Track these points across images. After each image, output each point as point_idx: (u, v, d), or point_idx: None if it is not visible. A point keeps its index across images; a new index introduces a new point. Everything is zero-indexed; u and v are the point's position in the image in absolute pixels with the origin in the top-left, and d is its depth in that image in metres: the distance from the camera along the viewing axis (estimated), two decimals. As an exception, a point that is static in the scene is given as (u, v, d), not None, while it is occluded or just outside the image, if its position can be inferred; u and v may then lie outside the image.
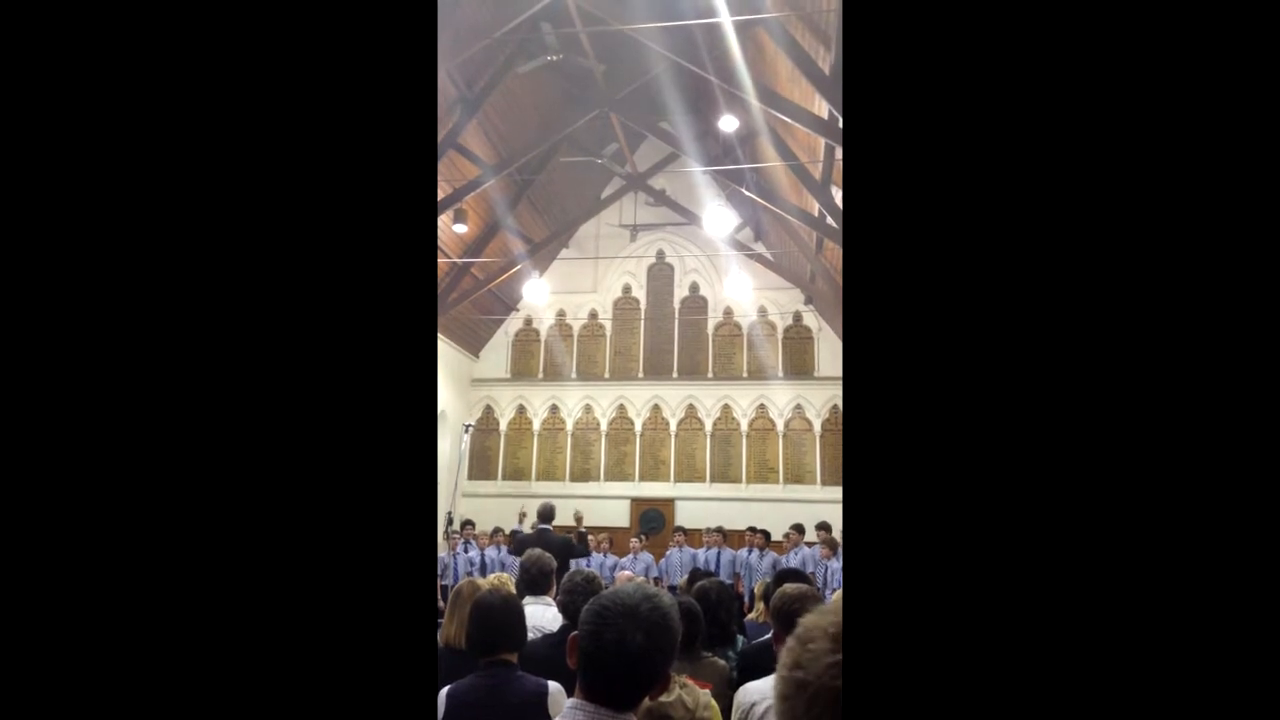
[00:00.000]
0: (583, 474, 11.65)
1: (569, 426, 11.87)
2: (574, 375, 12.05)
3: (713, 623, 2.89)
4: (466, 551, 8.61)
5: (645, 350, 12.03)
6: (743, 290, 10.61)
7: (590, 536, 6.89)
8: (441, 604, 6.10)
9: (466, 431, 9.27)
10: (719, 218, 8.81)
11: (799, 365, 11.56)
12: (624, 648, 1.07)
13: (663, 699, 1.84)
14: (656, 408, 11.77)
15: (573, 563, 5.08)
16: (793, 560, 7.86)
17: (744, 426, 11.48)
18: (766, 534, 8.79)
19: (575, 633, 1.13)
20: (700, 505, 10.98)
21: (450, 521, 8.89)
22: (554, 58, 7.94)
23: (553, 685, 1.89)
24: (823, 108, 6.41)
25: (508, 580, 3.39)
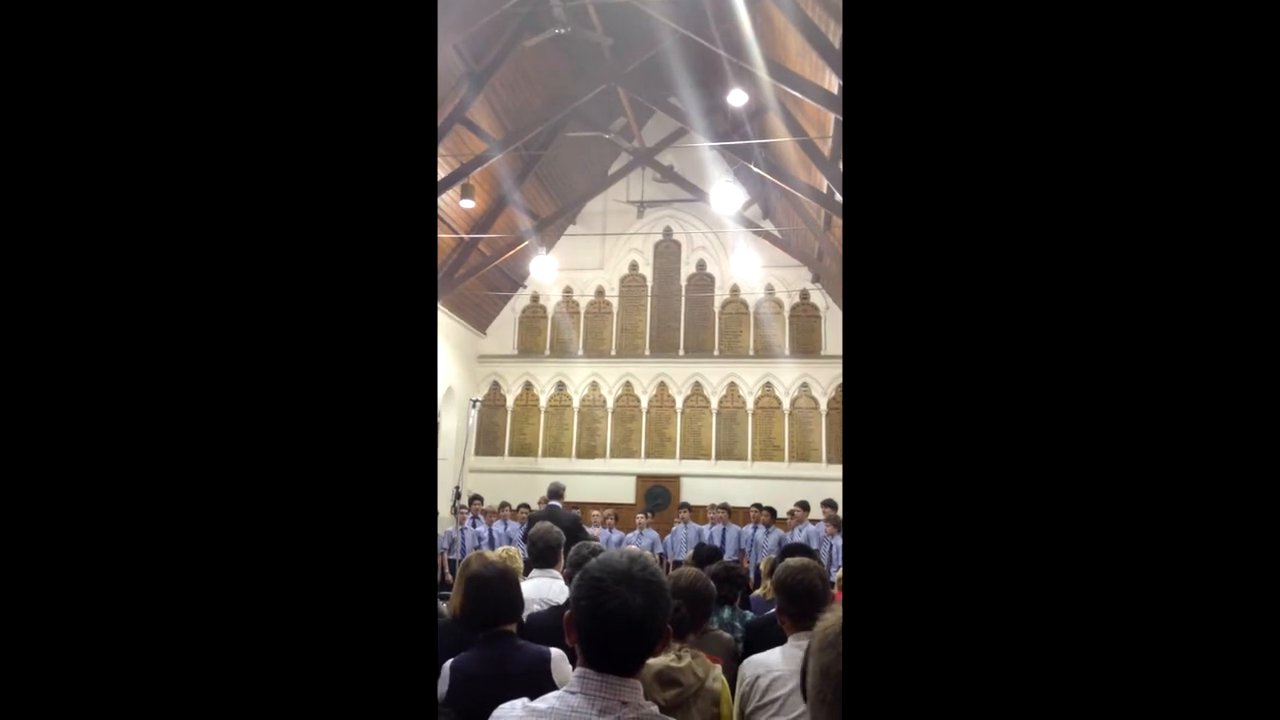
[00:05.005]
0: (589, 450, 11.70)
1: (575, 403, 11.91)
2: (580, 352, 12.06)
3: (720, 599, 2.95)
4: (474, 526, 8.69)
5: (652, 327, 12.02)
6: (750, 268, 10.57)
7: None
8: (450, 577, 6.18)
9: (474, 407, 9.30)
10: (727, 194, 8.75)
11: (806, 343, 11.54)
12: (628, 614, 1.07)
13: (674, 664, 1.87)
14: (663, 385, 11.78)
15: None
16: (797, 536, 7.89)
17: (750, 404, 11.49)
18: (772, 511, 8.83)
19: (568, 612, 1.13)
20: (706, 482, 11.02)
21: (458, 496, 8.96)
22: (561, 31, 7.85)
23: (554, 652, 1.91)
24: (832, 82, 6.33)
25: (516, 554, 3.43)
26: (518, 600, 2.09)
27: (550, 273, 10.59)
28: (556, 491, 5.87)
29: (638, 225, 12.15)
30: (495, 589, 2.03)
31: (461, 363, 11.54)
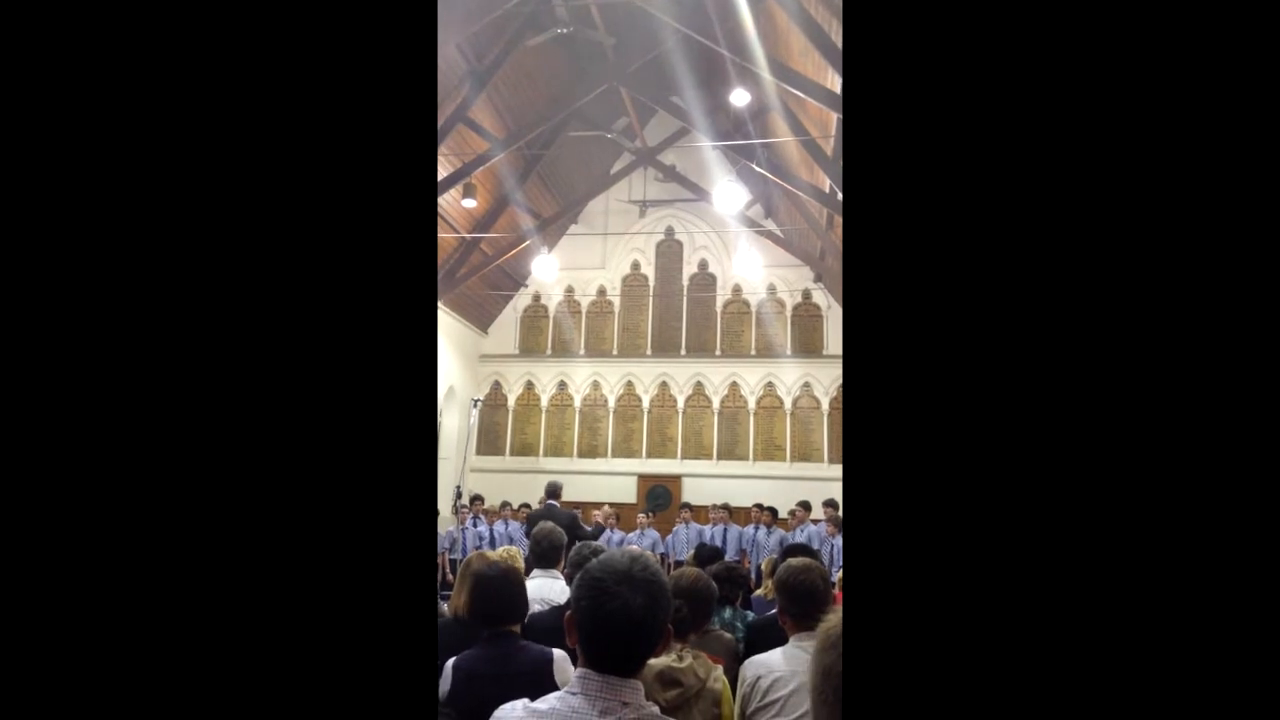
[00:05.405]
0: (590, 450, 11.70)
1: (577, 403, 11.91)
2: (582, 352, 12.06)
3: (721, 599, 2.95)
4: (475, 526, 8.69)
5: (653, 327, 12.02)
6: (752, 267, 10.56)
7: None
8: (451, 577, 6.21)
9: (475, 407, 9.31)
10: (729, 194, 8.74)
11: (807, 343, 11.54)
12: (629, 614, 1.07)
13: (675, 664, 1.87)
14: (664, 385, 11.78)
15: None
16: (799, 537, 7.88)
17: (751, 404, 11.48)
18: (773, 511, 8.82)
19: (569, 612, 1.13)
20: (707, 482, 11.02)
21: (459, 496, 8.97)
22: (564, 30, 7.85)
23: (557, 653, 1.91)
24: (835, 82, 6.33)
25: (517, 554, 3.43)
26: (522, 600, 2.09)
27: (552, 272, 10.59)
28: (554, 491, 5.94)
29: (640, 225, 12.15)
30: (499, 588, 2.03)
31: (463, 362, 11.54)
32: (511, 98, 9.00)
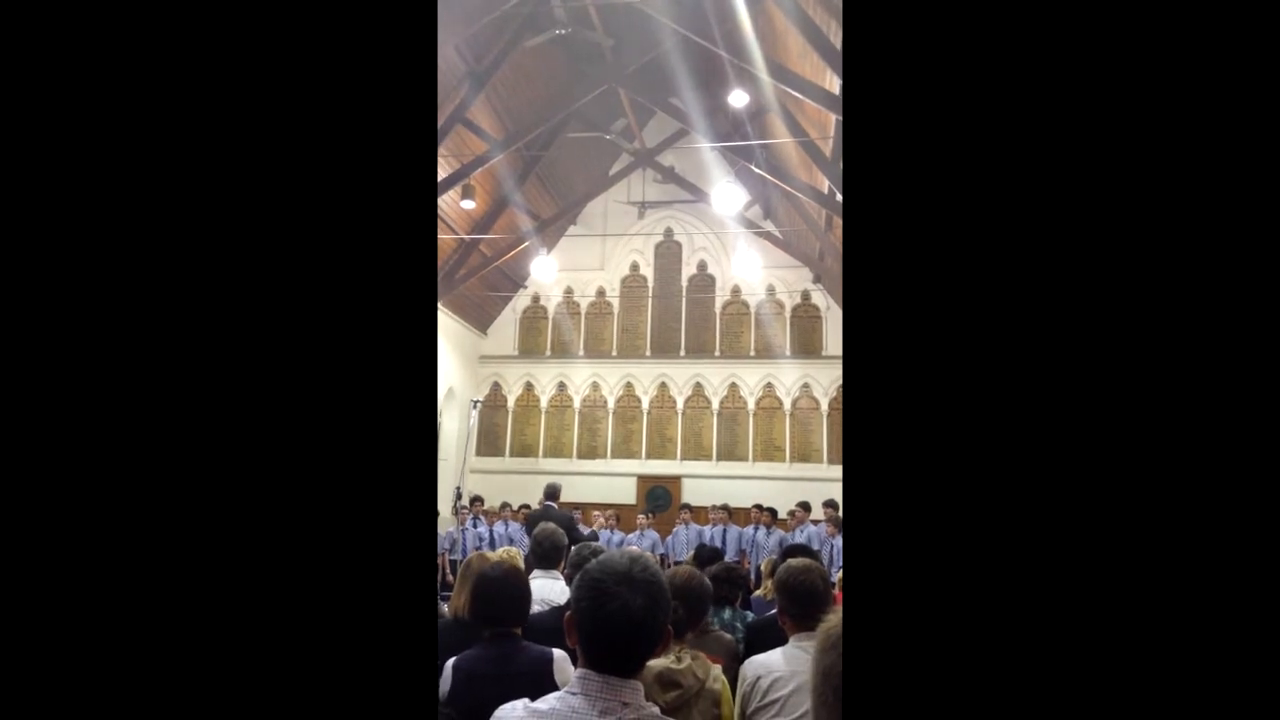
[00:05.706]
0: (590, 451, 11.70)
1: (576, 404, 11.91)
2: (581, 353, 12.06)
3: (721, 600, 2.95)
4: (475, 527, 8.69)
5: (653, 328, 12.02)
6: (751, 268, 10.56)
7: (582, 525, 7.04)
8: (451, 578, 6.22)
9: (474, 408, 9.31)
10: (728, 195, 8.74)
11: (807, 344, 11.54)
12: (628, 614, 1.07)
13: (674, 665, 1.87)
14: (663, 385, 11.78)
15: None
16: (798, 537, 7.88)
17: (751, 405, 11.48)
18: (773, 511, 8.82)
19: (569, 613, 1.13)
20: (707, 483, 11.02)
21: (459, 497, 8.97)
22: (562, 31, 7.86)
23: (557, 653, 1.92)
24: (834, 83, 6.33)
25: (516, 555, 3.43)
26: (525, 602, 2.09)
27: (551, 273, 10.59)
28: (553, 493, 5.94)
29: (639, 226, 12.15)
30: (502, 589, 2.03)
31: (462, 363, 11.54)
32: (510, 99, 9.00)
